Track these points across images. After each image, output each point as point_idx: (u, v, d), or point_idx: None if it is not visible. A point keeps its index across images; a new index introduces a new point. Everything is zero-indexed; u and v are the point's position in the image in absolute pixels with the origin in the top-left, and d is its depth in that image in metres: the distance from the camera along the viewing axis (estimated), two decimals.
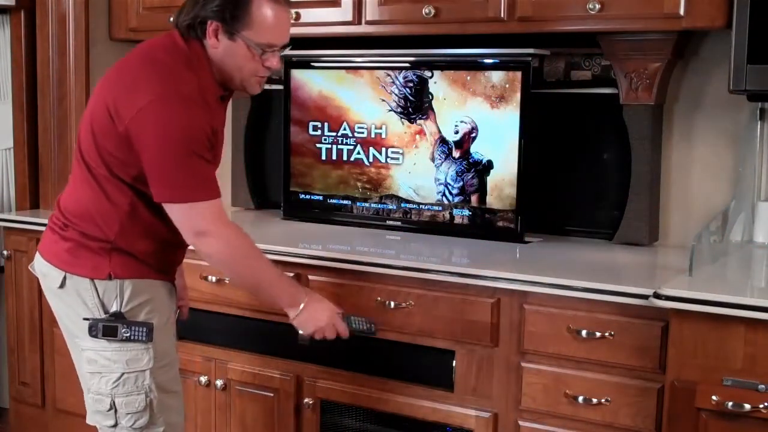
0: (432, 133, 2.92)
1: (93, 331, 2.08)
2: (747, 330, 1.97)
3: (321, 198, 3.16)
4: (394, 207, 3.02)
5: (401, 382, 2.56)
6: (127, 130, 1.98)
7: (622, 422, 2.25)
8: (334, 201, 3.14)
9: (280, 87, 3.22)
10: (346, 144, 3.08)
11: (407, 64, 2.94)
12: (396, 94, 2.97)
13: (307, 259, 2.63)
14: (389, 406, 2.57)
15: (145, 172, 1.99)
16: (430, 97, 2.91)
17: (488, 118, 2.82)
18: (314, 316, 2.16)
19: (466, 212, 2.89)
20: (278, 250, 2.67)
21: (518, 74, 2.75)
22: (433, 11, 2.73)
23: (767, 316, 1.93)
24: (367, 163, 3.06)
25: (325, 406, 2.68)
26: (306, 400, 2.69)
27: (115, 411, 2.11)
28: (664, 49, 2.62)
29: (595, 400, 2.27)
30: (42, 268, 2.18)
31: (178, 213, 2.00)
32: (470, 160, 2.86)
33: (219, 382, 2.84)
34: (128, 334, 2.08)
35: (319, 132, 3.13)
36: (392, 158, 3.01)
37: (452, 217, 2.92)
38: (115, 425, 2.12)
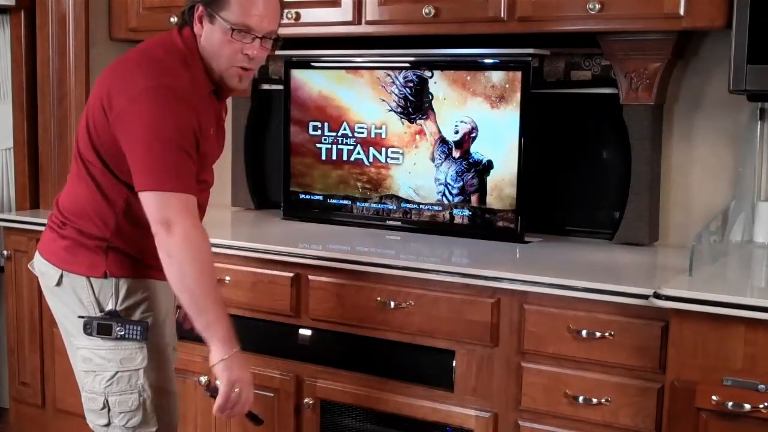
0: (432, 133, 2.92)
1: (88, 329, 2.09)
2: (747, 330, 1.97)
3: (321, 198, 3.16)
4: (394, 207, 3.02)
5: (401, 382, 2.56)
6: (116, 118, 1.99)
7: (622, 422, 2.25)
8: (334, 201, 3.14)
9: (280, 87, 3.22)
10: (346, 144, 3.08)
11: (407, 64, 2.94)
12: (396, 94, 2.97)
13: (307, 259, 2.63)
14: (389, 406, 2.57)
15: (128, 161, 1.99)
16: (430, 97, 2.91)
17: (488, 118, 2.82)
18: (240, 369, 2.03)
19: (466, 212, 2.89)
20: (278, 250, 2.68)
21: (518, 74, 2.75)
22: (433, 11, 2.73)
23: (767, 316, 1.93)
24: (367, 163, 3.06)
25: (325, 406, 2.68)
26: (306, 400, 2.69)
27: (109, 410, 2.11)
28: (664, 49, 2.62)
29: (595, 400, 2.27)
30: (40, 267, 2.19)
31: (149, 200, 1.97)
32: (470, 160, 2.86)
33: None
34: (123, 333, 2.08)
35: (319, 132, 3.13)
36: (392, 158, 3.01)
37: (452, 217, 2.92)
38: (108, 424, 2.12)
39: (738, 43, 2.29)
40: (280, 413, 2.75)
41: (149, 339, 2.11)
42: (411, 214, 2.99)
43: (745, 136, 2.66)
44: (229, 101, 2.39)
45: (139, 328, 2.09)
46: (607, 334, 2.24)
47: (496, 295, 2.39)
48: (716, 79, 2.68)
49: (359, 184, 3.08)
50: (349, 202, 3.11)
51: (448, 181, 2.91)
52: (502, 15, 2.65)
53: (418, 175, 2.97)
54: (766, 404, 1.95)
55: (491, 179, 2.84)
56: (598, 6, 2.50)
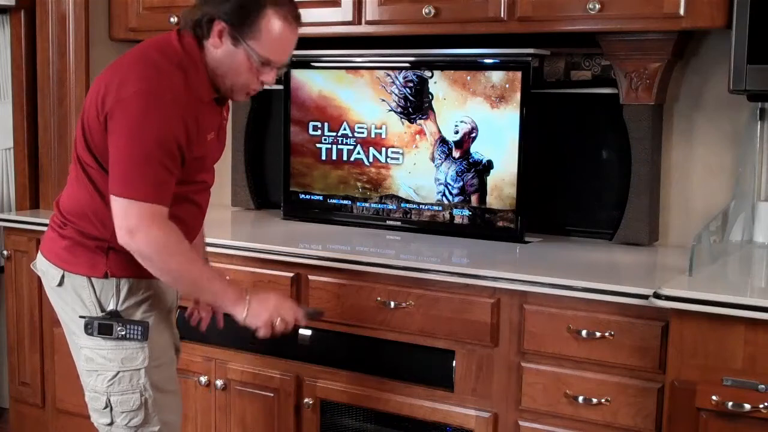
0: (432, 133, 2.92)
1: (89, 329, 2.09)
2: (747, 330, 1.97)
3: (321, 198, 3.16)
4: (394, 207, 3.02)
5: (401, 382, 2.56)
6: (105, 117, 1.99)
7: (622, 422, 2.25)
8: (334, 201, 3.14)
9: (280, 87, 3.22)
10: (346, 144, 3.08)
11: (407, 64, 2.94)
12: (396, 94, 2.97)
13: (307, 259, 2.63)
14: (389, 406, 2.57)
15: (109, 161, 2.00)
16: (430, 97, 2.91)
17: (488, 118, 2.82)
18: (264, 304, 2.09)
19: (466, 212, 2.89)
20: (278, 250, 2.68)
21: (518, 74, 2.75)
22: (433, 11, 2.73)
23: (767, 316, 1.93)
24: (367, 163, 3.06)
25: (325, 406, 2.68)
26: (306, 400, 2.69)
27: (111, 409, 2.12)
28: (664, 49, 2.62)
29: (595, 400, 2.27)
30: (42, 266, 2.20)
31: (116, 205, 1.98)
32: (470, 160, 2.86)
33: (219, 382, 2.84)
34: (123, 333, 2.08)
35: (319, 132, 3.13)
36: (392, 158, 3.01)
37: (452, 217, 2.92)
38: (111, 423, 2.13)
39: (738, 43, 2.29)
40: (280, 413, 2.75)
41: (150, 339, 2.11)
42: (411, 214, 2.99)
43: (745, 136, 2.66)
44: (229, 101, 2.39)
45: (140, 328, 2.09)
46: (607, 334, 2.24)
47: (496, 295, 2.39)
48: (716, 79, 2.68)
49: (359, 184, 3.08)
50: (349, 202, 3.11)
51: (448, 181, 2.91)
52: (502, 15, 2.65)
53: (418, 175, 2.97)
54: (766, 404, 1.95)
55: (491, 179, 2.84)
56: (598, 6, 2.50)
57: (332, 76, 3.09)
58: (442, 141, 2.91)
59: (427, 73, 2.91)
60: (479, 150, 2.85)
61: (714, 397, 1.99)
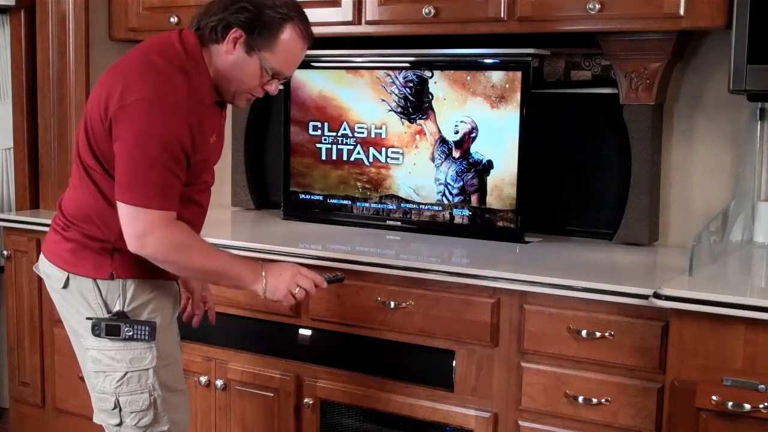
0: (432, 133, 2.92)
1: (96, 331, 2.10)
2: (747, 330, 1.97)
3: (321, 198, 3.16)
4: (394, 207, 3.02)
5: (401, 382, 2.56)
6: (109, 123, 1.99)
7: (622, 422, 2.25)
8: (334, 201, 3.14)
9: (281, 87, 3.21)
10: (346, 144, 3.08)
11: (407, 64, 2.94)
12: (396, 94, 2.97)
13: (307, 259, 2.63)
14: (389, 406, 2.57)
15: (115, 167, 2.01)
16: (430, 97, 2.91)
17: (488, 118, 2.82)
18: (279, 277, 2.10)
19: (466, 212, 2.89)
20: (278, 250, 2.68)
21: (518, 74, 2.75)
22: (433, 11, 2.73)
23: (767, 316, 1.93)
24: (367, 163, 3.06)
25: (325, 406, 2.68)
26: (306, 400, 2.69)
27: (120, 410, 2.12)
28: (664, 49, 2.62)
29: (595, 400, 2.27)
30: (46, 269, 2.19)
31: (124, 212, 1.99)
32: (470, 160, 2.86)
33: (219, 382, 2.84)
34: (131, 333, 2.09)
35: (319, 132, 3.13)
36: (392, 158, 3.01)
37: (452, 217, 2.92)
38: (120, 424, 2.13)
39: (738, 43, 2.29)
40: (280, 413, 2.75)
41: (158, 338, 2.12)
42: (411, 214, 2.99)
43: (745, 136, 2.66)
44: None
45: (147, 329, 2.10)
46: (607, 334, 2.24)
47: (496, 295, 2.39)
48: (716, 79, 2.68)
49: (359, 184, 3.08)
50: (349, 202, 3.11)
51: (448, 181, 2.91)
52: (502, 15, 2.65)
53: (418, 175, 2.97)
54: (766, 404, 1.95)
55: (491, 179, 2.84)
56: (598, 6, 2.50)
57: (332, 76, 3.09)
58: (442, 141, 2.91)
59: (427, 73, 2.91)
60: (479, 150, 2.85)
61: (714, 397, 1.99)
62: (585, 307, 2.27)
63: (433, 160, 2.93)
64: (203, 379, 2.86)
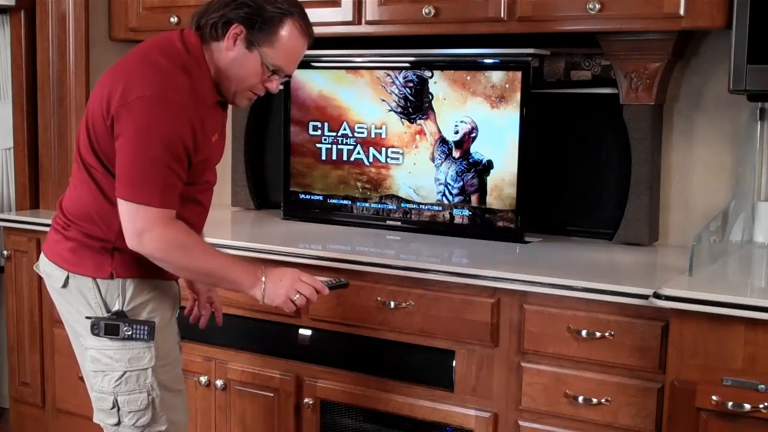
0: (432, 133, 2.92)
1: (95, 330, 2.10)
2: (747, 330, 1.97)
3: (321, 198, 3.16)
4: (394, 207, 3.02)
5: (401, 382, 2.56)
6: (111, 121, 2.00)
7: (622, 422, 2.25)
8: (334, 201, 3.14)
9: (281, 87, 3.21)
10: (346, 144, 3.08)
11: (407, 64, 2.94)
12: (396, 94, 2.97)
13: (307, 259, 2.63)
14: (389, 406, 2.57)
15: (116, 164, 2.01)
16: (430, 97, 2.91)
17: (488, 118, 2.82)
18: (279, 283, 2.09)
19: (466, 212, 2.89)
20: (278, 250, 2.68)
21: (518, 74, 2.75)
22: (433, 11, 2.73)
23: (767, 316, 1.93)
24: (367, 163, 3.06)
25: (325, 406, 2.68)
26: (306, 400, 2.69)
27: (118, 409, 2.12)
28: (664, 49, 2.62)
29: (595, 400, 2.27)
30: (46, 268, 2.20)
31: (124, 209, 1.99)
32: (470, 160, 2.86)
33: (219, 382, 2.84)
34: (130, 333, 2.09)
35: (319, 132, 3.13)
36: (392, 158, 3.01)
37: (452, 217, 2.92)
38: (118, 423, 2.13)
39: (738, 43, 2.29)
40: (280, 413, 2.75)
41: (157, 338, 2.12)
42: (411, 214, 2.99)
43: (745, 136, 2.66)
44: None
45: (146, 328, 2.10)
46: (607, 334, 2.24)
47: (496, 295, 2.39)
48: (716, 79, 2.68)
49: (359, 184, 3.08)
50: (349, 202, 3.11)
51: (448, 181, 2.91)
52: (502, 15, 2.65)
53: (418, 175, 2.97)
54: (766, 404, 1.95)
55: (491, 179, 2.84)
56: (598, 6, 2.50)
57: (332, 76, 3.09)
58: (442, 141, 2.91)
59: (427, 73, 2.91)
60: (479, 150, 2.85)
61: (714, 397, 1.99)
62: (585, 307, 2.27)
63: (433, 160, 2.93)
64: (203, 379, 2.86)
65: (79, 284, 2.12)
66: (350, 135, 3.07)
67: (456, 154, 2.89)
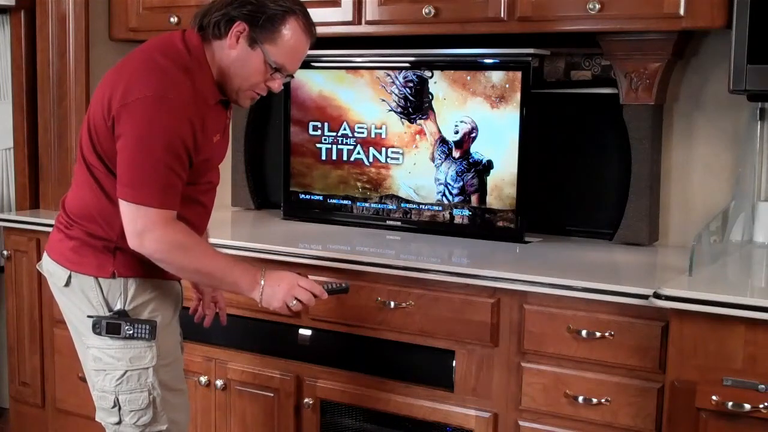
0: (432, 133, 2.92)
1: (97, 329, 2.10)
2: (747, 330, 1.97)
3: (321, 198, 3.16)
4: (394, 207, 3.02)
5: (401, 382, 2.56)
6: (112, 121, 2.00)
7: (622, 422, 2.25)
8: (334, 201, 3.14)
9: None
10: (346, 144, 3.08)
11: (407, 64, 2.94)
12: (396, 94, 2.97)
13: (307, 259, 2.63)
14: (389, 406, 2.57)
15: (117, 164, 2.02)
16: (430, 97, 2.91)
17: (488, 118, 2.82)
18: (277, 288, 2.09)
19: (466, 212, 2.89)
20: (278, 250, 2.68)
21: (518, 74, 2.75)
22: (433, 11, 2.73)
23: (767, 316, 1.93)
24: (367, 163, 3.06)
25: (325, 406, 2.68)
26: (306, 400, 2.69)
27: (119, 408, 2.12)
28: (664, 49, 2.62)
29: (595, 400, 2.27)
30: (49, 267, 2.20)
31: (125, 209, 2.00)
32: (470, 160, 2.86)
33: (219, 382, 2.84)
34: (131, 332, 2.09)
35: (319, 132, 3.13)
36: (392, 158, 3.01)
37: (452, 217, 2.92)
38: (119, 422, 2.14)
39: (738, 43, 2.29)
40: (280, 413, 2.75)
41: (158, 337, 2.12)
42: (411, 214, 2.99)
43: (745, 136, 2.66)
44: None
45: (147, 327, 2.10)
46: (607, 334, 2.24)
47: (496, 295, 2.39)
48: (716, 79, 2.68)
49: (359, 184, 3.08)
50: (349, 202, 3.11)
51: (448, 181, 2.91)
52: (502, 15, 2.65)
53: (418, 175, 2.97)
54: (766, 404, 1.95)
55: (491, 179, 2.84)
56: (598, 6, 2.50)
57: (332, 76, 3.09)
58: (442, 141, 2.91)
59: (427, 73, 2.91)
60: (479, 150, 2.85)
61: (714, 397, 1.99)
62: (585, 307, 2.27)
63: (433, 160, 2.93)
64: (203, 379, 2.86)
65: (82, 283, 2.12)
66: (350, 135, 3.07)
67: (456, 154, 2.89)
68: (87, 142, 2.09)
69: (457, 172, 2.89)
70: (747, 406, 1.96)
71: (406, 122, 2.96)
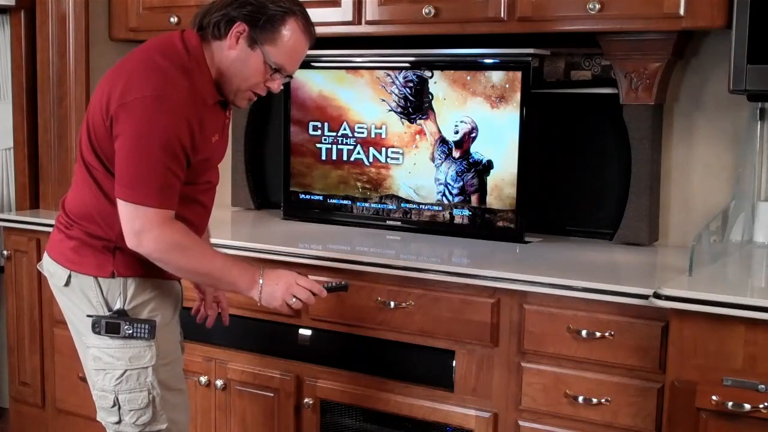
0: (432, 133, 2.92)
1: (96, 328, 2.11)
2: (747, 330, 1.97)
3: (321, 198, 3.16)
4: (394, 207, 3.02)
5: (401, 382, 2.56)
6: (110, 121, 2.00)
7: (622, 422, 2.25)
8: (334, 201, 3.14)
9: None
10: (346, 144, 3.08)
11: (407, 64, 2.94)
12: (396, 94, 2.97)
13: (307, 259, 2.63)
14: (389, 406, 2.57)
15: (115, 164, 2.02)
16: (430, 97, 2.91)
17: (488, 118, 2.82)
18: (275, 286, 2.09)
19: (466, 212, 2.89)
20: (278, 250, 2.68)
21: (518, 74, 2.75)
22: (433, 11, 2.73)
23: (767, 316, 1.93)
24: (367, 163, 3.06)
25: (325, 406, 2.68)
26: (306, 400, 2.69)
27: (119, 408, 2.13)
28: (664, 49, 2.62)
29: (595, 400, 2.27)
30: (49, 267, 2.21)
31: (123, 209, 2.01)
32: (470, 160, 2.86)
33: (219, 382, 2.84)
34: (131, 332, 2.10)
35: (319, 132, 3.13)
36: (392, 158, 3.01)
37: (452, 217, 2.92)
38: (119, 422, 2.14)
39: (738, 43, 2.29)
40: (280, 413, 2.75)
41: (158, 337, 2.12)
42: (411, 214, 2.99)
43: (745, 136, 2.66)
44: None
45: (147, 327, 2.11)
46: (607, 334, 2.24)
47: (496, 295, 2.39)
48: (716, 79, 2.68)
49: (359, 184, 3.08)
50: (349, 202, 3.11)
51: (448, 181, 2.91)
52: (502, 15, 2.65)
53: (418, 175, 2.97)
54: (766, 404, 1.95)
55: (491, 179, 2.84)
56: (598, 6, 2.50)
57: (332, 76, 3.09)
58: (442, 141, 2.91)
59: (427, 73, 2.91)
60: (479, 150, 2.85)
61: (714, 397, 1.99)
62: (585, 307, 2.27)
63: (433, 160, 2.93)
64: (203, 379, 2.86)
65: (81, 283, 2.13)
66: (350, 135, 3.07)
67: (456, 154, 2.89)
68: (86, 142, 2.10)
69: (457, 172, 2.89)
70: (747, 406, 1.96)
71: (406, 122, 2.96)
